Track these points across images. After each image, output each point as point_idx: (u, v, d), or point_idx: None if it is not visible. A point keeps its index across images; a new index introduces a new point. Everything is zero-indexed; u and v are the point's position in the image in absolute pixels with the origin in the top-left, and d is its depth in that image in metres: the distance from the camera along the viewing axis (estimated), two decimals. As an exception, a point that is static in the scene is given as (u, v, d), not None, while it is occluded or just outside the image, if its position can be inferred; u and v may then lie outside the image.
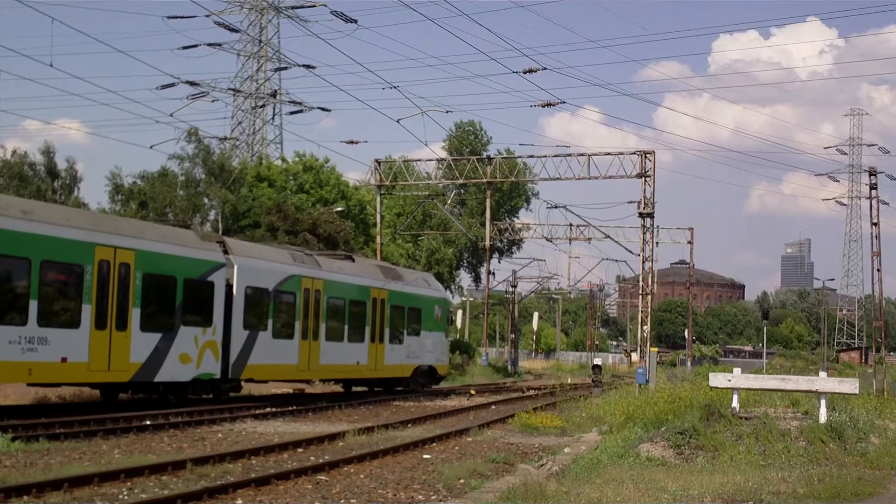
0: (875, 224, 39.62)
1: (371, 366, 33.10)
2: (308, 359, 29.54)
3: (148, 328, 23.34)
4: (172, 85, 63.77)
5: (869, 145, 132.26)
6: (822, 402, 18.15)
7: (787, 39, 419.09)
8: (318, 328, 30.00)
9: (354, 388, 35.97)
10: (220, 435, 20.40)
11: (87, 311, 21.55)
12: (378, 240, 54.42)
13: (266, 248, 30.35)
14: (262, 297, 27.55)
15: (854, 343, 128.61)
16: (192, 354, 24.64)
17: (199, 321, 25.00)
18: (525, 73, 42.78)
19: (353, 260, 34.96)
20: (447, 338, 40.21)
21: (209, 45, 69.58)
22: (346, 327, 31.67)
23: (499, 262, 79.52)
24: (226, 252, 26.28)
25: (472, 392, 38.65)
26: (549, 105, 47.55)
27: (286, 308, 28.74)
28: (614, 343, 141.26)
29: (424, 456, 17.94)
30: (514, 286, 75.57)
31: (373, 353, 33.08)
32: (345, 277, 32.01)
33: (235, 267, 26.26)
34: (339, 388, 36.24)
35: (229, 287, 26.06)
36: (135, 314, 22.89)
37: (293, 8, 69.83)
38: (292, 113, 70.86)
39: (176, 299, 24.29)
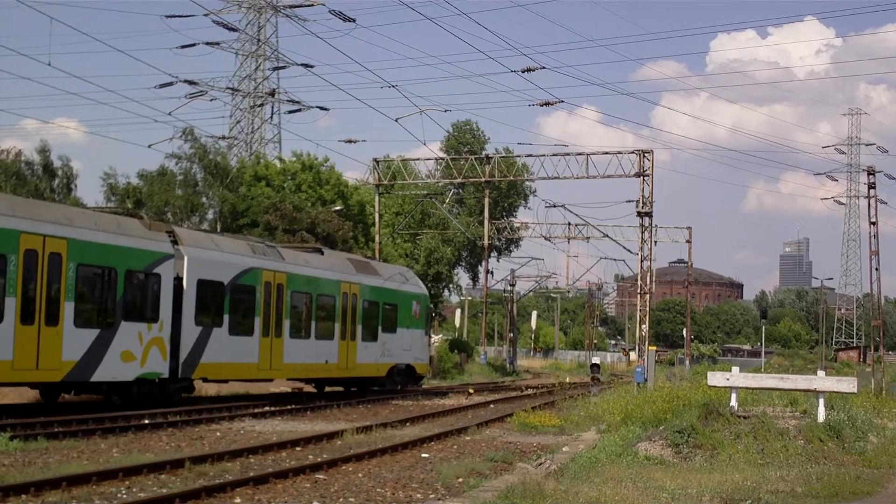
0: (873, 223, 39.63)
1: (342, 364, 31.61)
2: (270, 357, 27.94)
3: (83, 324, 21.67)
4: (171, 84, 63.61)
5: (867, 144, 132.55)
6: (821, 401, 18.16)
7: (784, 39, 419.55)
8: (281, 325, 28.39)
9: (328, 389, 34.45)
10: (218, 434, 20.40)
11: (12, 305, 19.86)
12: (377, 239, 54.41)
13: (222, 238, 28.58)
14: (216, 291, 25.86)
15: (852, 342, 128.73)
16: (135, 352, 22.94)
17: (144, 316, 23.34)
18: (523, 72, 42.75)
19: (323, 253, 32.82)
20: (427, 335, 38.76)
21: (207, 44, 69.51)
22: (314, 324, 30.08)
23: (497, 261, 79.56)
24: (175, 242, 24.56)
25: (471, 391, 38.64)
26: (547, 104, 47.51)
27: (245, 303, 27.02)
28: (612, 342, 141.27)
29: (423, 455, 17.95)
30: (513, 285, 75.61)
31: (343, 352, 31.58)
32: (311, 271, 30.36)
33: (186, 258, 24.61)
34: (310, 388, 34.44)
35: (179, 280, 24.44)
36: (67, 308, 21.20)
37: (291, 7, 69.78)
38: (291, 112, 70.76)
39: (116, 293, 22.59)
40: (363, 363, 32.86)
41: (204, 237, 27.37)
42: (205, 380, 26.55)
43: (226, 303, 26.16)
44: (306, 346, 29.71)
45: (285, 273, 28.69)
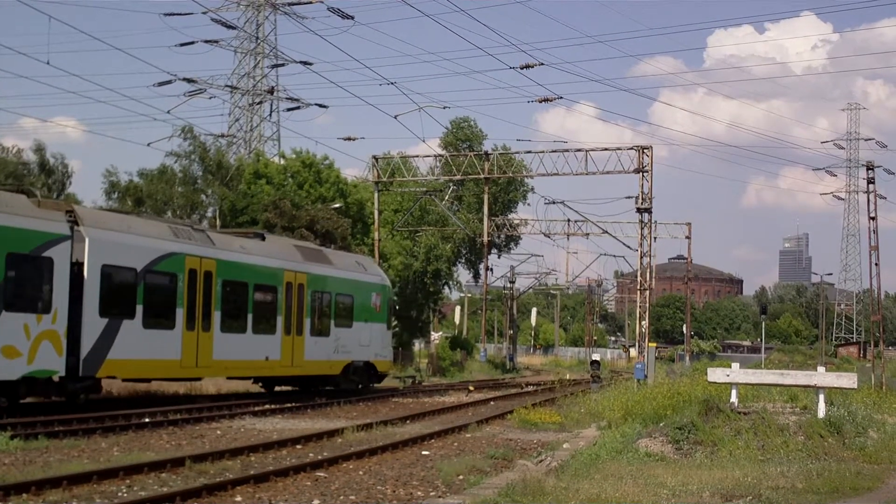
0: (873, 218, 39.64)
1: (285, 361, 28.91)
2: (196, 353, 25.10)
3: None
4: (169, 82, 63.82)
5: (866, 139, 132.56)
6: (821, 396, 18.16)
7: (781, 34, 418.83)
8: (210, 317, 25.58)
9: (278, 388, 31.82)
10: (218, 432, 20.41)
11: None
12: (376, 236, 54.40)
13: (137, 220, 25.26)
14: (127, 279, 23.00)
15: (852, 338, 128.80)
16: (20, 347, 19.97)
17: (32, 307, 20.38)
18: (522, 68, 42.74)
19: (264, 238, 30.10)
20: (390, 329, 35.63)
21: (206, 42, 69.57)
22: (250, 316, 27.37)
23: (498, 257, 79.55)
24: (74, 223, 21.63)
25: (471, 388, 38.65)
26: (546, 100, 47.53)
27: (163, 292, 24.19)
28: (613, 338, 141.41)
29: (423, 452, 17.95)
30: (513, 282, 75.62)
31: (287, 347, 28.93)
32: (247, 257, 27.55)
33: (87, 241, 21.63)
34: (257, 387, 31.97)
35: (78, 265, 21.53)
36: None
37: (290, 4, 69.82)
38: (290, 109, 70.78)
39: None
40: (312, 360, 30.17)
41: (112, 218, 24.13)
42: (113, 378, 23.76)
43: (139, 292, 23.28)
44: (241, 342, 27.03)
45: (214, 259, 25.87)
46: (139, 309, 23.30)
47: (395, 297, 40.56)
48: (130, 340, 22.92)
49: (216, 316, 25.87)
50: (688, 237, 73.82)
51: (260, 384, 31.66)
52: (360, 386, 32.94)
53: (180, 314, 24.62)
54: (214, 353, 25.79)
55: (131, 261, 23.18)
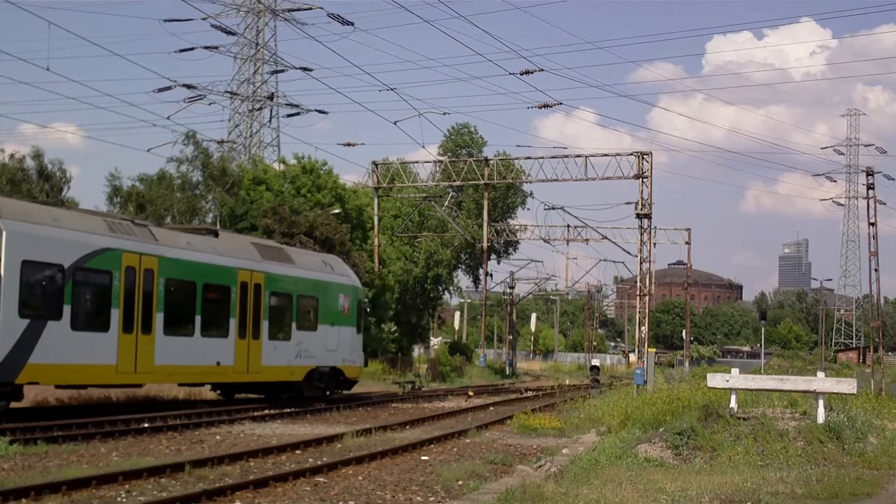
0: (872, 224, 39.62)
1: (239, 367, 26.92)
2: (135, 358, 23.14)
3: None
4: (169, 88, 63.94)
5: (866, 145, 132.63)
6: (820, 402, 18.15)
7: (781, 40, 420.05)
8: (150, 319, 23.57)
9: (239, 395, 30.21)
10: (218, 437, 20.40)
11: None
12: (376, 241, 54.43)
13: (66, 212, 23.45)
14: (52, 276, 21.27)
15: (852, 343, 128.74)
16: None
17: None
18: (522, 74, 42.83)
19: (217, 235, 28.22)
20: (360, 333, 33.42)
21: (206, 48, 69.70)
22: (199, 318, 25.39)
23: (498, 263, 79.62)
24: None
25: (471, 393, 38.66)
26: (546, 106, 47.64)
27: (96, 291, 22.46)
28: (612, 344, 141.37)
29: (423, 457, 17.95)
30: (512, 287, 75.69)
31: (242, 352, 26.97)
32: (195, 255, 25.58)
33: (4, 234, 19.97)
34: (214, 395, 30.23)
35: None
36: None
37: (290, 11, 69.96)
38: (289, 115, 70.92)
39: None
40: (271, 366, 28.20)
41: (37, 209, 22.30)
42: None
43: (66, 291, 21.45)
44: (188, 345, 25.04)
45: (156, 256, 23.95)
46: (66, 309, 21.39)
47: (367, 300, 38.21)
48: (56, 344, 21.06)
49: (158, 318, 23.88)
50: (687, 243, 73.92)
51: (218, 391, 30.01)
52: (327, 393, 31.23)
53: (116, 315, 22.67)
54: (157, 357, 23.82)
55: (57, 256, 21.31)
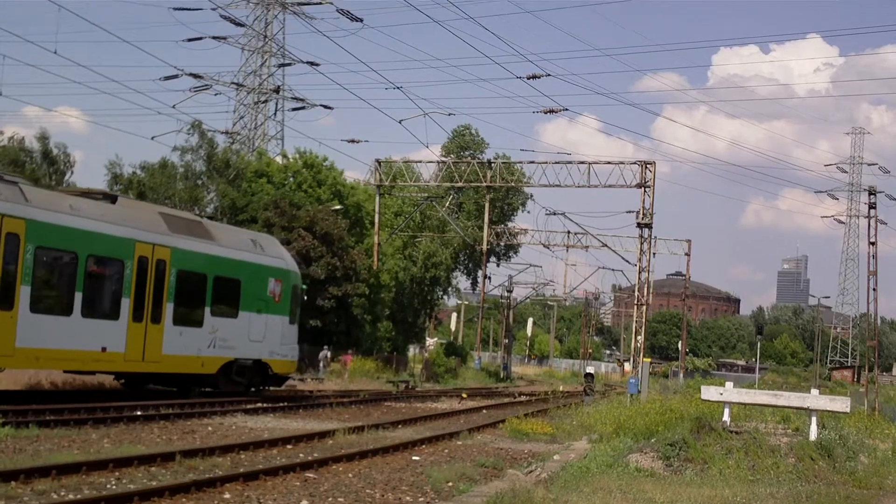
0: (872, 243, 39.64)
1: (133, 355, 23.42)
2: None
3: None
4: (176, 76, 63.80)
5: (869, 164, 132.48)
6: (813, 419, 18.16)
7: (786, 55, 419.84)
8: (12, 293, 20.41)
9: (154, 386, 27.34)
10: (210, 428, 20.40)
11: None
12: (376, 239, 54.42)
13: None
14: None
15: (847, 361, 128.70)
16: None
17: None
18: (529, 78, 42.81)
19: (115, 201, 24.62)
20: (294, 324, 30.04)
21: (214, 38, 69.61)
22: (80, 296, 22.00)
23: (497, 265, 79.59)
24: None
25: (464, 395, 38.67)
26: (551, 111, 47.63)
27: None
28: (608, 352, 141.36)
29: (413, 457, 17.94)
30: (510, 291, 75.68)
31: (137, 337, 23.50)
32: (79, 221, 22.00)
33: None
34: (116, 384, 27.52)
35: None
36: None
37: (299, 4, 69.86)
38: (294, 109, 70.79)
39: None
40: (175, 355, 24.80)
41: None
42: None
43: None
44: (63, 327, 21.71)
45: (23, 219, 20.59)
46: None
47: (305, 287, 34.80)
48: None
49: (24, 292, 20.63)
50: (687, 254, 73.88)
51: (121, 381, 27.02)
52: (251, 389, 28.43)
53: None
54: (19, 339, 20.64)
55: None
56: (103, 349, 22.68)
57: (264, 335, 28.13)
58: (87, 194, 24.37)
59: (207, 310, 26.03)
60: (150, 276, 23.93)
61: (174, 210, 30.25)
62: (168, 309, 24.50)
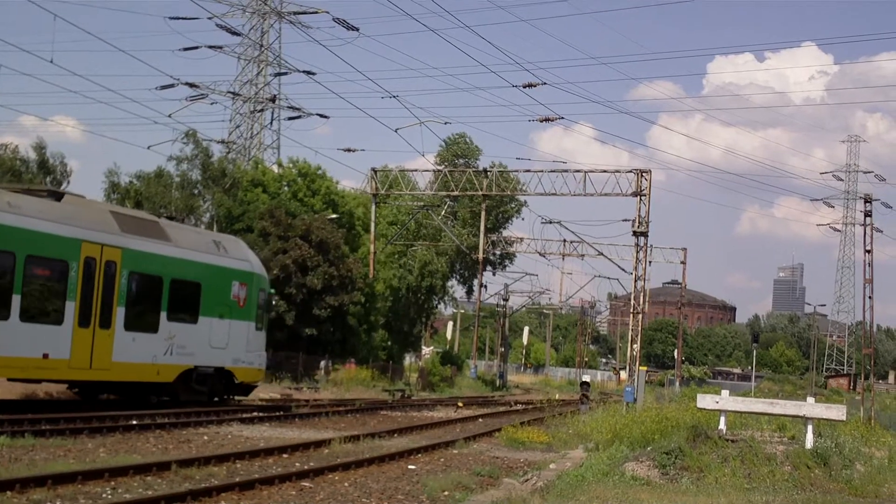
0: (868, 251, 39.67)
1: (78, 362, 22.03)
2: None
3: None
4: (172, 86, 63.89)
5: (865, 172, 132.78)
6: (809, 427, 18.18)
7: (781, 63, 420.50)
8: None
9: (107, 396, 26.21)
10: (205, 437, 20.36)
11: None
12: (372, 248, 54.43)
13: None
14: None
15: (843, 369, 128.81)
16: None
17: None
18: (524, 87, 42.93)
19: (60, 198, 23.10)
20: (262, 330, 28.76)
21: (210, 47, 69.64)
22: (18, 298, 20.63)
23: (493, 274, 79.66)
24: None
25: (460, 404, 38.63)
26: (547, 120, 47.74)
27: None
28: (604, 360, 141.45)
29: (409, 466, 17.92)
30: (506, 300, 75.70)
31: (84, 343, 22.12)
32: (16, 220, 20.63)
33: None
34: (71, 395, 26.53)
35: None
36: None
37: (295, 13, 69.98)
38: (291, 118, 70.88)
39: None
40: (127, 362, 23.40)
41: None
42: None
43: None
44: (1, 332, 20.45)
45: None
46: None
47: (274, 291, 33.30)
48: None
49: None
50: (683, 262, 74.04)
51: (75, 389, 25.84)
52: (214, 399, 27.04)
53: None
54: None
55: None
56: (45, 356, 21.22)
57: (227, 342, 26.80)
58: (30, 191, 23.08)
59: (163, 314, 24.63)
60: (99, 278, 22.55)
61: (127, 209, 28.68)
62: (119, 313, 23.08)
